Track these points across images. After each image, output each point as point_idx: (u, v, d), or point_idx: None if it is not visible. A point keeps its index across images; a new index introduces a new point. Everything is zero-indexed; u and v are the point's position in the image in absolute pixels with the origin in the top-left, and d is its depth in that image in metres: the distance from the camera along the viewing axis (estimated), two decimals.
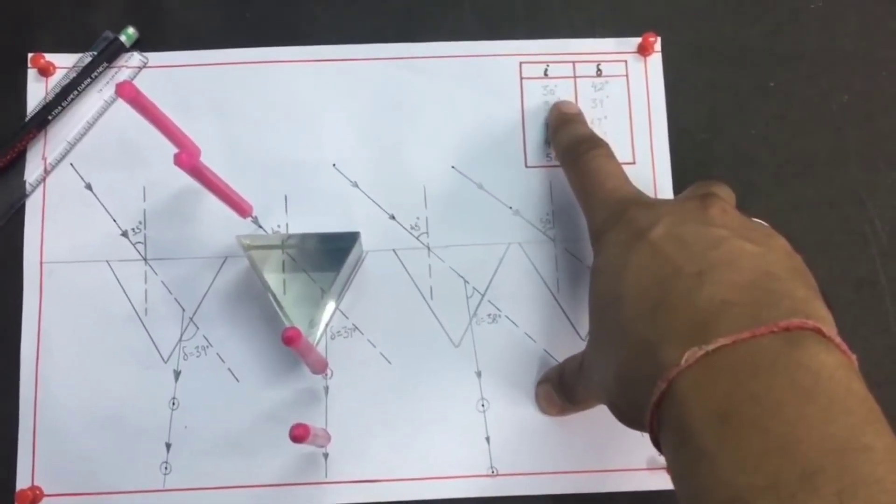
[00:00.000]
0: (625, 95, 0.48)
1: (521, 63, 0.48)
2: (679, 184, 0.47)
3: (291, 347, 0.34)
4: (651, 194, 0.46)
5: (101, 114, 0.47)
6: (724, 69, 0.49)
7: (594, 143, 0.42)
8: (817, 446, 0.25)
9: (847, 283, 0.47)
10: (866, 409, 0.26)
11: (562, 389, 0.42)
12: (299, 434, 0.35)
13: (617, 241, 0.35)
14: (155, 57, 0.47)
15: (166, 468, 0.44)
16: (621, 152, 0.47)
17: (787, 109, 0.48)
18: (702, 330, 0.28)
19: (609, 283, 0.34)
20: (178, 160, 0.34)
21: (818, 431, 0.25)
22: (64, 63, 0.47)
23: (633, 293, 0.32)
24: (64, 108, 0.46)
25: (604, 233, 0.36)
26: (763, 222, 0.40)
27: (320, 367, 0.43)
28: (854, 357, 0.28)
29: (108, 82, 0.47)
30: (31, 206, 0.46)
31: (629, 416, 0.33)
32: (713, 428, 0.26)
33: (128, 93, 0.33)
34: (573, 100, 0.48)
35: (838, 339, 0.28)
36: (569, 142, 0.43)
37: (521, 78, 0.48)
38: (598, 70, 0.48)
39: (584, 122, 0.45)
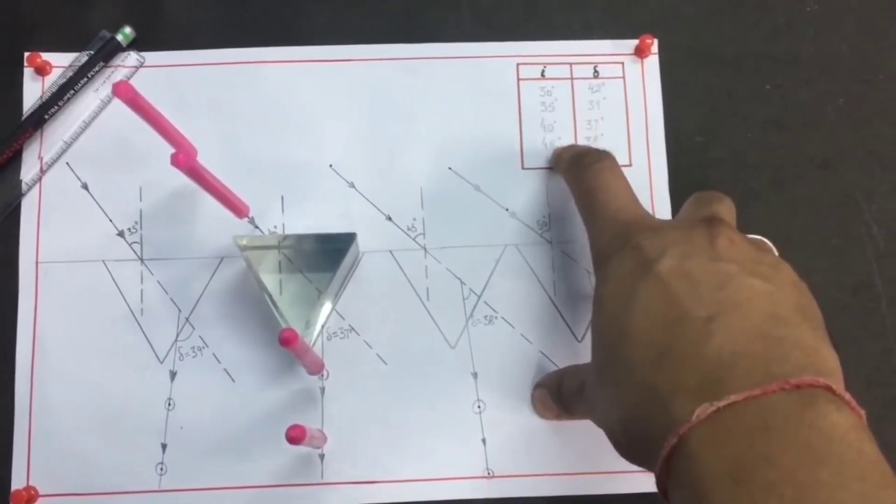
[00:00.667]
0: (622, 97, 0.48)
1: (518, 64, 0.48)
2: (675, 186, 0.47)
3: (288, 348, 0.34)
4: (647, 196, 0.47)
5: (97, 113, 0.47)
6: (721, 72, 0.49)
7: (598, 156, 0.41)
8: None
9: (843, 287, 0.47)
10: (879, 474, 0.26)
11: (560, 401, 0.41)
12: (295, 435, 0.35)
13: (622, 271, 0.34)
14: (152, 56, 0.47)
15: (162, 469, 0.43)
16: (618, 154, 0.46)
17: (783, 113, 0.48)
18: (712, 384, 0.28)
19: (614, 317, 0.33)
20: (174, 160, 0.34)
21: (831, 497, 0.25)
22: (60, 62, 0.47)
23: (640, 334, 0.31)
24: (60, 107, 0.46)
25: (608, 258, 0.36)
26: (765, 240, 0.40)
27: (316, 367, 0.43)
28: (863, 413, 0.28)
29: (104, 82, 0.47)
30: (27, 206, 0.46)
31: (631, 454, 0.33)
32: (727, 489, 0.26)
33: (124, 93, 0.33)
34: (570, 101, 0.48)
35: (848, 396, 0.28)
36: (572, 155, 0.43)
37: (519, 79, 0.48)
38: (595, 72, 0.48)
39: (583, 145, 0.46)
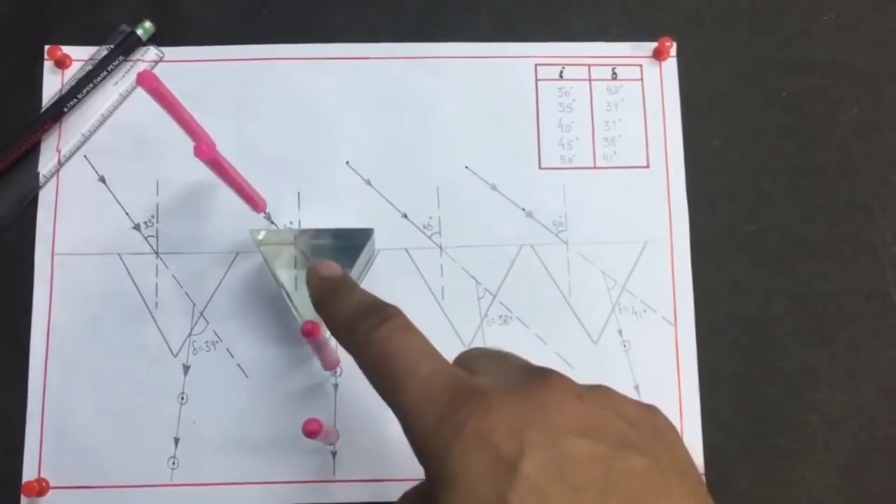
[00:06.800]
0: (640, 99, 0.48)
1: (536, 65, 0.48)
2: (693, 189, 0.47)
3: (309, 340, 0.34)
4: (664, 199, 0.47)
5: (115, 107, 0.47)
6: (738, 77, 0.49)
7: (385, 313, 0.31)
8: None
9: (857, 295, 0.47)
10: None
11: None
12: (312, 429, 0.35)
13: (475, 474, 0.25)
14: (171, 52, 0.48)
15: (174, 463, 0.43)
16: (636, 156, 0.47)
17: (798, 120, 0.48)
18: None
19: None
20: (197, 151, 0.34)
21: None
22: (80, 56, 0.47)
23: None
24: (79, 100, 0.46)
25: (443, 449, 0.25)
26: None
27: (333, 363, 0.43)
28: None
29: (123, 76, 0.47)
30: (45, 198, 0.46)
31: None
32: None
33: (148, 82, 0.33)
34: (588, 102, 0.48)
35: None
36: (347, 315, 0.32)
37: (537, 80, 0.48)
38: (614, 73, 0.48)
39: (357, 286, 0.35)
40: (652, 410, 0.28)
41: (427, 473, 0.26)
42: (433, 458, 0.26)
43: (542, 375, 0.27)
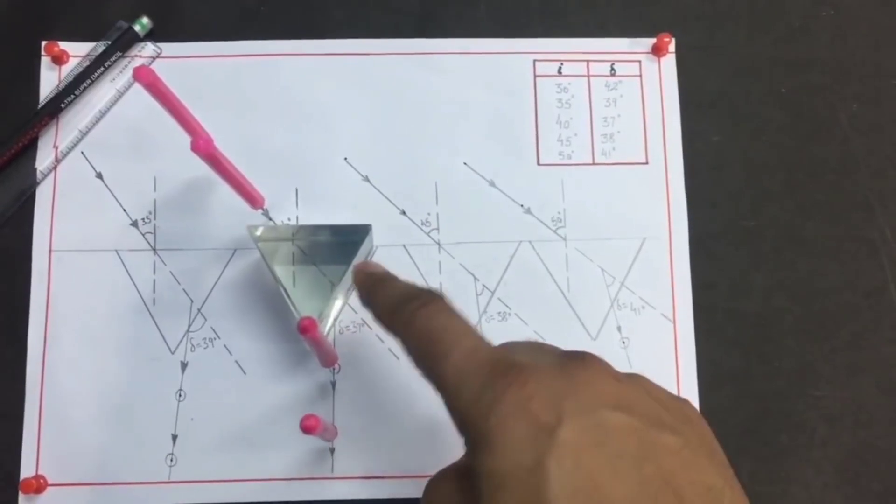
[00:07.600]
0: (638, 95, 0.48)
1: (535, 61, 0.48)
2: (692, 185, 0.47)
3: (306, 337, 0.34)
4: (663, 195, 0.47)
5: (113, 103, 0.47)
6: (737, 73, 0.49)
7: (428, 297, 0.32)
8: None
9: (856, 291, 0.47)
10: None
11: None
12: (310, 425, 0.34)
13: (515, 436, 0.26)
14: (168, 47, 0.47)
15: (172, 460, 0.43)
16: (634, 152, 0.47)
17: (797, 116, 0.48)
18: None
19: (528, 499, 0.26)
20: (194, 146, 0.34)
21: None
22: (77, 52, 0.47)
23: None
24: (76, 96, 0.46)
25: (485, 415, 0.27)
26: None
27: (331, 360, 0.42)
28: None
29: (120, 72, 0.47)
30: (42, 194, 0.46)
31: None
32: None
33: (145, 77, 0.33)
34: (587, 98, 0.48)
35: None
36: (394, 301, 0.34)
37: (535, 76, 0.48)
38: (612, 69, 0.48)
39: (399, 278, 0.37)
40: (683, 400, 0.30)
41: (467, 442, 0.28)
42: (474, 425, 0.27)
43: (580, 357, 0.29)
